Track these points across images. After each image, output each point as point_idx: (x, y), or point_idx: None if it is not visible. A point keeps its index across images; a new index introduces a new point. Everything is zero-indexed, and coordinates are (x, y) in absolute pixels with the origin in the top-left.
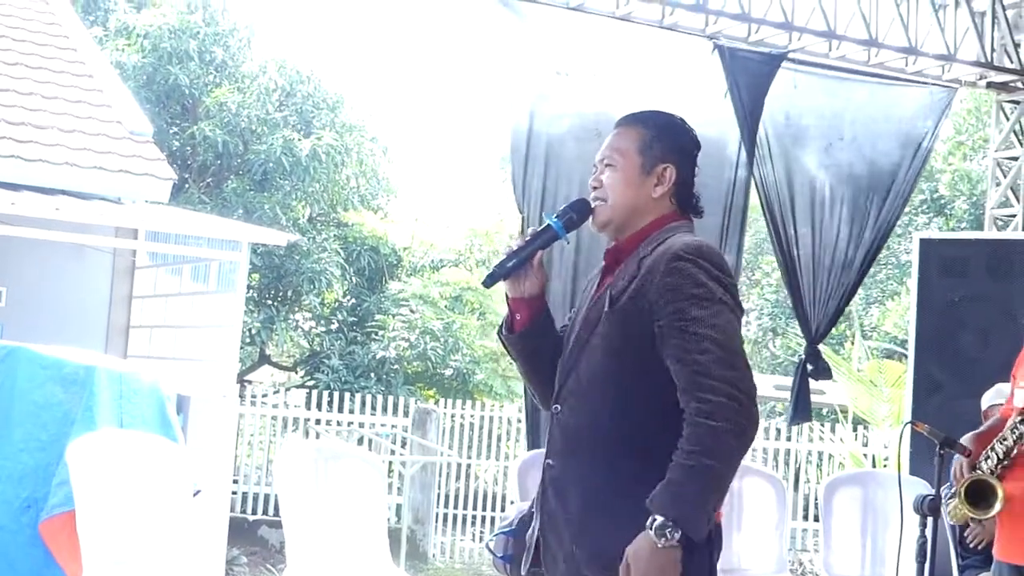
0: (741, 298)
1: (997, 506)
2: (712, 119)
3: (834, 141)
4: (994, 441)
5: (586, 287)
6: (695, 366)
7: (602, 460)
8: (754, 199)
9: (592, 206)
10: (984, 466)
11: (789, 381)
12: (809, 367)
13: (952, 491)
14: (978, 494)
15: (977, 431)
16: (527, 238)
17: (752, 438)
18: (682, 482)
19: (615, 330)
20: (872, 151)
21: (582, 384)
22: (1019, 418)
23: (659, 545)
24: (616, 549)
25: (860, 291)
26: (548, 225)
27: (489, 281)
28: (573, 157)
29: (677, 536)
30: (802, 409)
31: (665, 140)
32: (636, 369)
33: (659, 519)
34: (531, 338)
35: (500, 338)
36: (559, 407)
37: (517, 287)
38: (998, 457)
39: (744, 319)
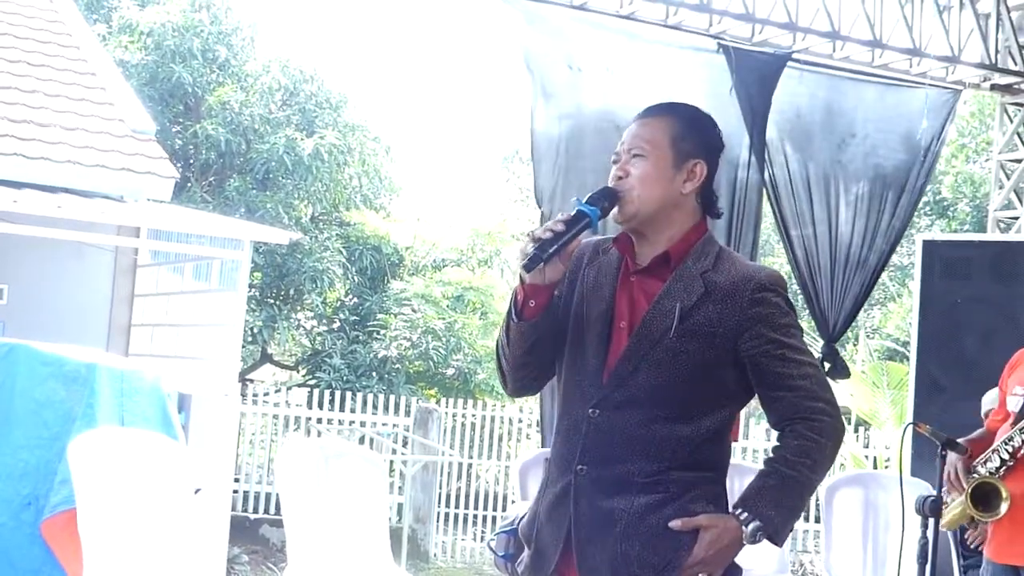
0: None
1: (1003, 507)
2: (719, 119)
3: (846, 138)
4: (997, 444)
5: (579, 279)
6: (801, 391)
7: (653, 469)
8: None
9: (619, 195)
10: (982, 469)
11: None
12: (827, 366)
13: (948, 497)
14: (982, 497)
15: (968, 437)
16: (562, 224)
17: None
18: (784, 491)
19: (686, 348)
20: (884, 149)
21: (640, 395)
22: None
23: (746, 542)
24: (669, 546)
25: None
26: (580, 212)
27: (531, 265)
28: (592, 151)
29: (763, 540)
30: None
31: (697, 135)
32: (698, 387)
33: (756, 522)
34: (541, 326)
35: (509, 323)
36: (598, 412)
37: (540, 274)
38: (1001, 459)
39: None
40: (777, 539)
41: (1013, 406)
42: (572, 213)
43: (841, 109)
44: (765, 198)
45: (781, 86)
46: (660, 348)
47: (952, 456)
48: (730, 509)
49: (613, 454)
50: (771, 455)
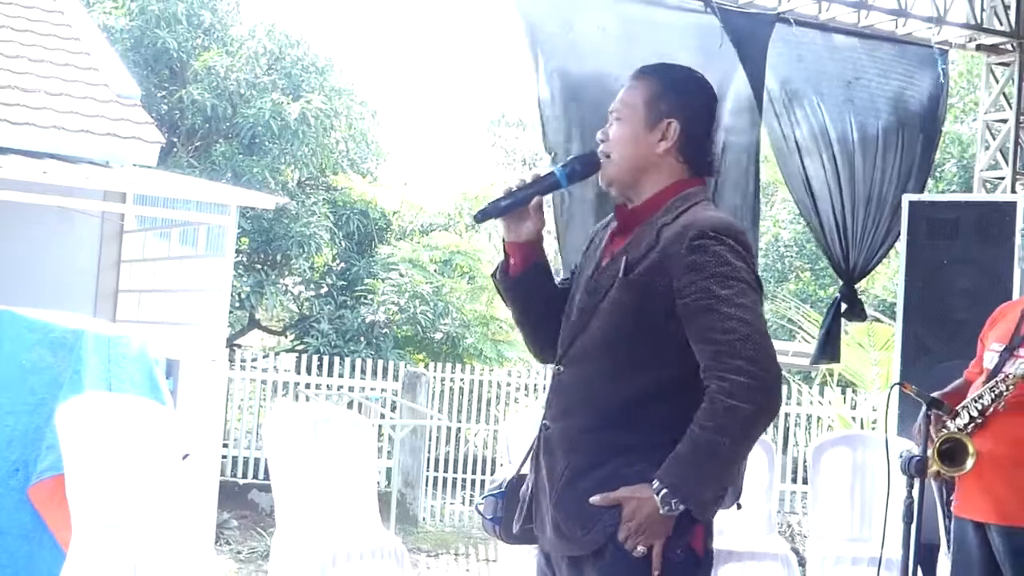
0: None
1: (969, 463)
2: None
3: (852, 80)
4: (968, 400)
5: (590, 246)
6: (719, 345)
7: (592, 426)
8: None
9: (599, 160)
10: (951, 424)
11: (778, 345)
12: (844, 307)
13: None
14: (949, 452)
15: (944, 391)
16: (527, 182)
17: (771, 419)
18: (691, 457)
19: (627, 299)
20: (892, 93)
21: (587, 349)
22: (999, 378)
23: (661, 511)
24: (592, 511)
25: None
26: (551, 172)
27: (480, 216)
28: (588, 110)
29: (680, 509)
30: (830, 349)
31: (672, 95)
32: (641, 340)
33: (665, 490)
34: (523, 285)
35: (494, 281)
36: (561, 368)
37: (513, 230)
38: (971, 416)
39: None
40: (694, 507)
41: (988, 363)
42: (544, 173)
43: (842, 55)
44: (758, 159)
45: (775, 40)
46: (606, 301)
47: (924, 409)
48: None
49: (564, 409)
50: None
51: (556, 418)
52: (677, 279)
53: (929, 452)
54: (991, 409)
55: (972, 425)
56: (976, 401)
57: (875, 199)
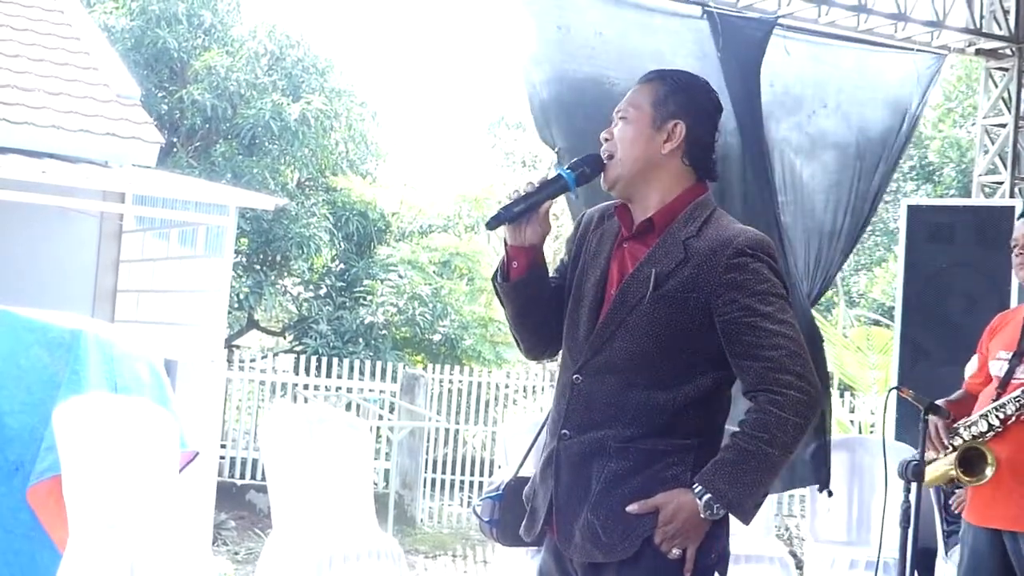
0: None
1: (988, 472)
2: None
3: (818, 109)
4: (987, 409)
5: (584, 245)
6: (768, 362)
7: (632, 436)
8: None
9: (603, 161)
10: (964, 432)
11: None
12: None
13: (928, 455)
14: (967, 461)
15: (948, 398)
16: (536, 186)
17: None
18: (739, 464)
19: (660, 314)
20: (859, 118)
21: (616, 361)
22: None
23: (702, 515)
24: (631, 516)
25: (850, 257)
26: (559, 175)
27: (493, 223)
28: (583, 114)
29: (721, 514)
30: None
31: (679, 96)
32: (677, 353)
33: (708, 495)
34: (525, 288)
35: (494, 284)
36: (581, 378)
37: (519, 235)
38: (990, 424)
39: None
40: (737, 513)
41: (997, 371)
42: (551, 177)
43: (818, 77)
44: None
45: (767, 53)
46: (636, 314)
47: (934, 416)
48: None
49: (592, 420)
50: (736, 428)
51: (581, 429)
52: (716, 296)
53: (948, 458)
54: (1013, 419)
55: (991, 433)
56: (998, 411)
57: (825, 230)
